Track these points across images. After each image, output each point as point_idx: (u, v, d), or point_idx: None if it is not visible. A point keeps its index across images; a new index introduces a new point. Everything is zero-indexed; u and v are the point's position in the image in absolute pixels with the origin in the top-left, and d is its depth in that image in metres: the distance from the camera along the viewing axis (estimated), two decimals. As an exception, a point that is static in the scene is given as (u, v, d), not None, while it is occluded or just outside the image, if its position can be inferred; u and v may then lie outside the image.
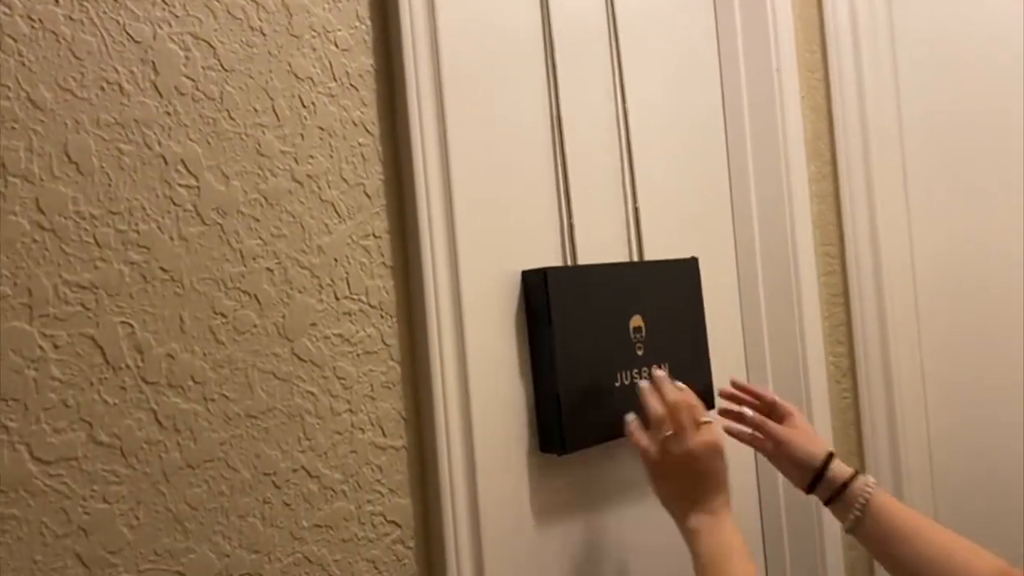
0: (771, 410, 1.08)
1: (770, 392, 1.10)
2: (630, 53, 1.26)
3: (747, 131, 1.45)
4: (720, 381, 1.29)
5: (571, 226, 1.08)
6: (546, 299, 0.96)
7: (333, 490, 0.78)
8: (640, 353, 1.07)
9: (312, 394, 0.77)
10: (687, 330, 1.17)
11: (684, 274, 1.19)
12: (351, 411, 0.80)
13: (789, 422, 1.06)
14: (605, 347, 1.02)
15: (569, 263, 1.07)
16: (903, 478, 1.49)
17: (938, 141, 1.53)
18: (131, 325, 0.66)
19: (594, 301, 1.02)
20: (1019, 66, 1.45)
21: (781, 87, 1.44)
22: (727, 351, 1.42)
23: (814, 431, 1.07)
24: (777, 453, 1.04)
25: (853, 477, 0.99)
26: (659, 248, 1.26)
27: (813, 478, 1.01)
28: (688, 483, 0.88)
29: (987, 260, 1.49)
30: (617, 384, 1.02)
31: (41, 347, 0.61)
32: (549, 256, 1.04)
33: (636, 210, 1.22)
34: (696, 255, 1.33)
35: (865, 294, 1.50)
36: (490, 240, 0.95)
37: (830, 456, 1.01)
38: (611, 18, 1.23)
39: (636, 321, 1.07)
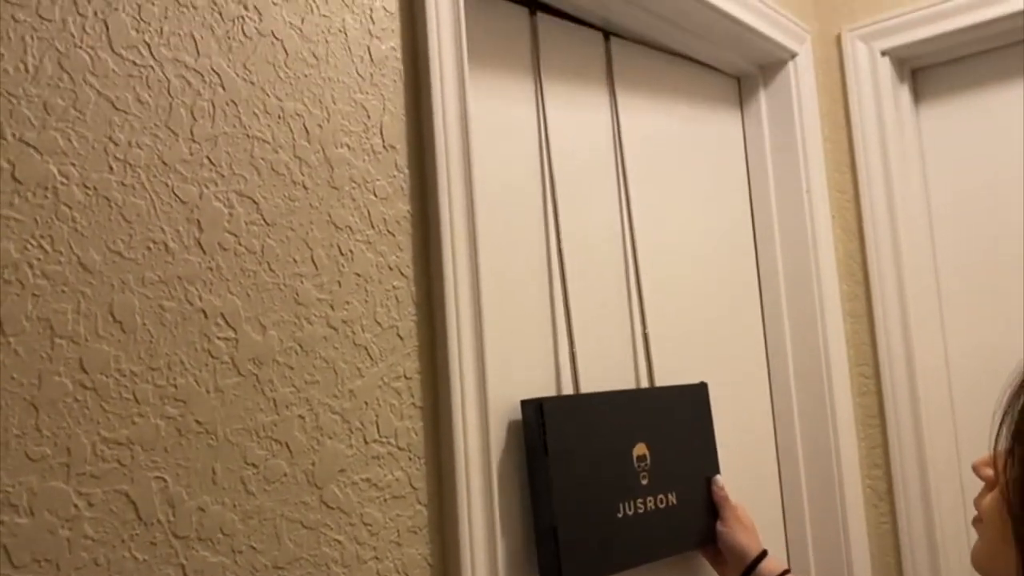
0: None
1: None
2: (645, 181, 1.28)
3: (778, 252, 1.45)
4: (757, 505, 1.27)
5: (573, 355, 1.09)
6: (542, 430, 0.95)
7: (357, 641, 0.77)
8: (644, 482, 1.06)
9: (339, 542, 0.77)
10: (695, 457, 1.15)
11: (692, 399, 1.18)
12: (377, 558, 0.79)
13: (734, 514, 1.11)
14: (606, 477, 1.01)
15: (571, 391, 1.08)
16: (946, 608, 1.43)
17: (972, 257, 1.52)
18: (164, 479, 0.67)
19: (595, 430, 1.01)
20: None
21: (812, 208, 1.45)
22: (761, 474, 1.40)
23: (755, 528, 1.13)
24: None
25: (783, 574, 1.04)
26: (685, 372, 1.26)
27: (744, 570, 1.06)
28: None
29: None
30: (620, 515, 1.01)
31: (76, 505, 0.62)
32: (566, 385, 1.04)
33: (646, 335, 1.21)
34: (728, 377, 1.32)
35: (901, 415, 1.47)
36: (512, 375, 0.96)
37: (764, 553, 1.07)
38: (618, 152, 1.26)
39: (640, 449, 1.07)
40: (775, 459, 1.43)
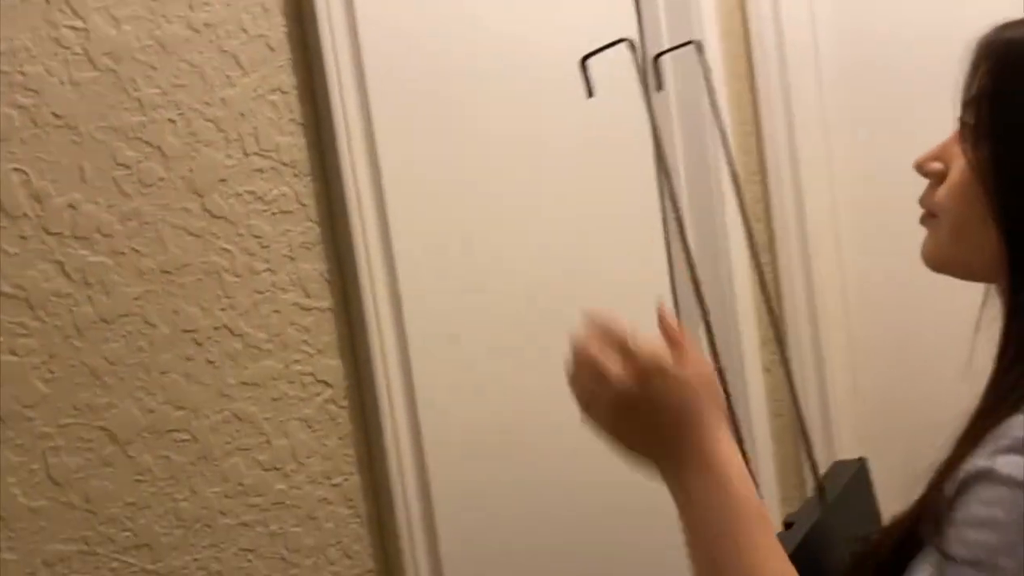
0: None
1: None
2: None
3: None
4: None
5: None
6: None
7: (259, 348, 0.76)
8: None
9: (228, 251, 0.75)
10: None
11: None
12: (271, 271, 0.78)
13: None
14: None
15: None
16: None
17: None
18: (25, 172, 0.62)
19: None
20: None
21: None
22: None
23: None
24: None
25: None
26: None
27: None
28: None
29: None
30: None
31: (-74, 192, 0.58)
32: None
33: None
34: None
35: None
36: (404, 85, 0.91)
37: None
38: None
39: None
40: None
